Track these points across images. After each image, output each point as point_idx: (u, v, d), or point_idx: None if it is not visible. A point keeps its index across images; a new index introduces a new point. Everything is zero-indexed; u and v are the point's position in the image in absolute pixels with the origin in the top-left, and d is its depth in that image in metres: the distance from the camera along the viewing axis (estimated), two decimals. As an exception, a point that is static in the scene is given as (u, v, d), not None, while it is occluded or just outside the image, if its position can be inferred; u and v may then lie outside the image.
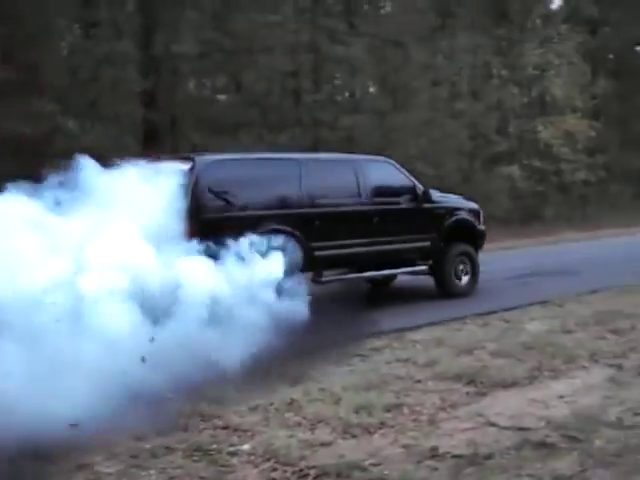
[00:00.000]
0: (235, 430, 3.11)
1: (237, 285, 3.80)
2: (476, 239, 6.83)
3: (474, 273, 6.68)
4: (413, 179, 6.45)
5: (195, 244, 3.86)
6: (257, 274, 3.97)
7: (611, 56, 22.07)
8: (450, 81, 16.82)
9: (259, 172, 5.37)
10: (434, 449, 2.82)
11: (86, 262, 3.20)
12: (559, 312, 5.72)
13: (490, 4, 18.04)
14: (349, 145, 13.34)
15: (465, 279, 6.63)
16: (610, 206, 18.95)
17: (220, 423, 3.17)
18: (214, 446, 2.91)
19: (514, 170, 16.83)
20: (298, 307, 4.02)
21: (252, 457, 2.79)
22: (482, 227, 6.96)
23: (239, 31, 13.23)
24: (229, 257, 3.94)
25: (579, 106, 19.03)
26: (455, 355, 4.36)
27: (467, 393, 3.66)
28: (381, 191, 6.14)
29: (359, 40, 14.77)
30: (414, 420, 3.25)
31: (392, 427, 3.14)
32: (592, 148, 19.16)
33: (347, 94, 16.40)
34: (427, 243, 6.36)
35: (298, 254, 4.65)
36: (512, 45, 18.41)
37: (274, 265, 4.13)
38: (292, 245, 4.65)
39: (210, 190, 4.85)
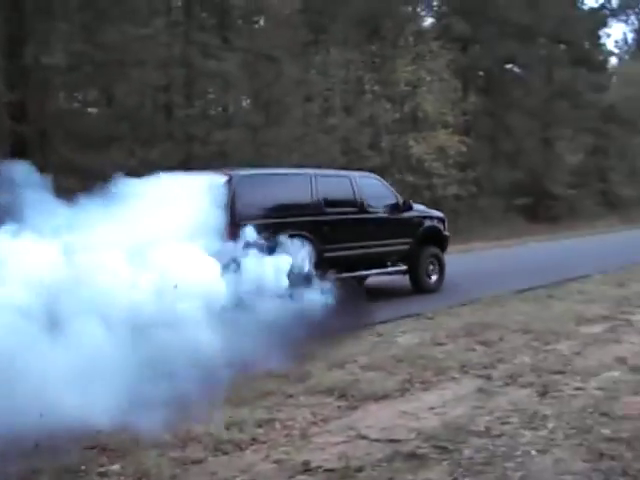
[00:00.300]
0: (104, 450, 3.69)
1: (263, 280, 5.61)
2: (442, 243, 10.23)
3: (441, 272, 9.94)
4: (394, 191, 9.86)
5: (233, 245, 5.71)
6: (280, 271, 5.82)
7: (481, 73, 28.19)
8: (323, 96, 21.37)
9: (280, 185, 8.27)
10: (306, 463, 3.54)
11: (155, 253, 4.86)
12: (430, 325, 7.12)
13: (363, 20, 22.89)
14: (222, 160, 17.21)
15: (434, 278, 9.89)
16: (481, 220, 24.56)
17: (88, 443, 3.72)
18: (83, 467, 3.48)
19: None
20: (314, 299, 5.82)
21: (122, 477, 3.36)
22: (446, 233, 10.42)
23: (110, 43, 16.52)
24: (259, 256, 5.77)
25: (450, 122, 24.43)
26: (327, 369, 5.38)
27: (339, 407, 4.64)
28: (371, 202, 9.20)
29: (232, 55, 18.74)
30: (286, 435, 4.05)
31: (264, 443, 3.90)
32: (463, 163, 24.68)
33: (220, 109, 20.34)
34: (406, 246, 9.53)
35: (313, 255, 6.82)
36: (385, 61, 23.48)
37: (295, 263, 6.10)
38: (309, 247, 6.94)
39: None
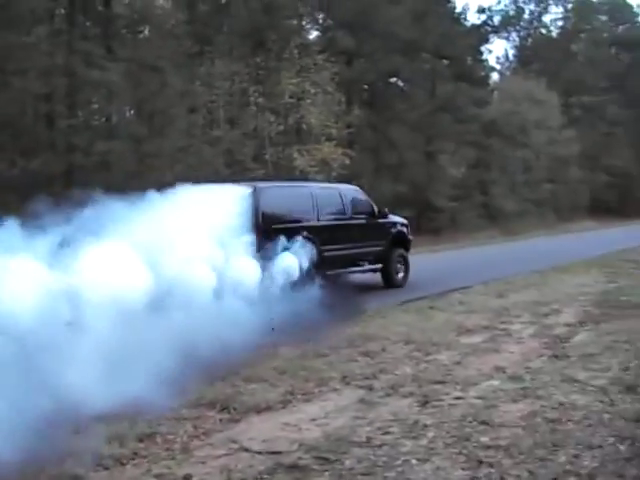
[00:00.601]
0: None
1: (279, 270, 8.18)
2: (407, 245, 13.41)
3: (406, 270, 13.01)
4: (370, 200, 12.67)
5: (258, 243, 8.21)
6: (292, 265, 8.48)
7: (366, 86, 31.74)
8: (207, 108, 23.92)
9: (290, 195, 11.04)
10: (187, 477, 4.01)
11: (200, 249, 6.94)
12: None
13: (248, 32, 25.67)
14: (104, 171, 19.35)
15: (401, 275, 12.96)
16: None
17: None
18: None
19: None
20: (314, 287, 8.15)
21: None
22: (410, 236, 13.59)
23: (-9, 51, 18.28)
24: (278, 252, 8.44)
25: (334, 135, 27.58)
26: (208, 382, 5.86)
27: (221, 420, 5.19)
28: (355, 210, 12.17)
29: (116, 64, 20.85)
30: (167, 449, 4.53)
31: (145, 457, 4.35)
32: (346, 176, 27.87)
33: (103, 119, 22.37)
34: (381, 248, 12.52)
35: (315, 253, 9.29)
36: (269, 73, 26.34)
37: (303, 259, 8.72)
38: (312, 247, 9.23)
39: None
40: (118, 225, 6.19)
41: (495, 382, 6.47)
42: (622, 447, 4.68)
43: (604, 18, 54.82)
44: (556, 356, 7.46)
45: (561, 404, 5.68)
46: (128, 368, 5.25)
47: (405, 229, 13.67)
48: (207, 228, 7.18)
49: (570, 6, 52.15)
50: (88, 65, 20.20)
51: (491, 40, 46.39)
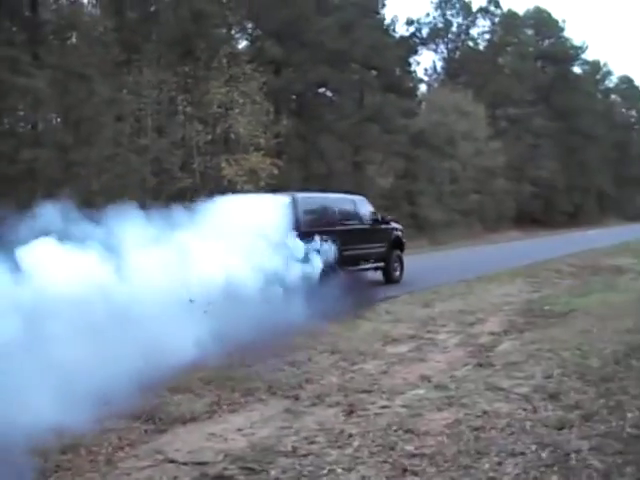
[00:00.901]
0: None
1: (310, 262, 10.70)
2: (402, 247, 16.39)
3: (402, 269, 15.96)
4: (374, 209, 15.45)
5: (299, 246, 10.64)
6: (319, 259, 11.03)
7: (294, 96, 33.08)
8: (134, 116, 24.73)
9: (321, 204, 13.64)
10: None
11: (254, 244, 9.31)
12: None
13: (177, 41, 26.62)
14: (29, 179, 19.96)
15: (397, 272, 15.91)
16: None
17: None
18: None
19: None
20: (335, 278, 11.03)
21: None
22: (404, 240, 16.61)
23: None
24: (311, 249, 10.96)
25: (262, 144, 28.72)
26: (134, 392, 5.93)
27: (146, 431, 5.36)
28: (364, 217, 14.86)
29: (43, 71, 21.47)
30: (91, 461, 4.66)
31: (69, 470, 4.47)
32: (275, 185, 29.05)
33: (29, 126, 22.89)
34: (384, 249, 15.26)
35: (337, 252, 11.80)
36: (198, 82, 27.34)
37: (328, 256, 11.34)
38: (334, 247, 11.72)
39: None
40: (201, 224, 8.80)
41: (421, 391, 6.77)
42: (544, 454, 4.96)
43: (530, 32, 58.05)
44: (481, 365, 7.82)
45: (485, 412, 5.97)
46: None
47: (401, 233, 16.79)
48: (261, 228, 9.87)
49: (497, 20, 54.98)
50: (14, 72, 20.63)
51: (419, 52, 49.02)
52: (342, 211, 14.39)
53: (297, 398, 6.43)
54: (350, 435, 5.44)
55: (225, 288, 8.10)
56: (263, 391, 6.55)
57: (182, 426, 5.63)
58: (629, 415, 5.70)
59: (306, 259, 10.65)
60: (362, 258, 14.36)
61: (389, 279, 15.81)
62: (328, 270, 11.18)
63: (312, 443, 5.29)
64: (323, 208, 13.77)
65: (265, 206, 11.08)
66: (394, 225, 16.69)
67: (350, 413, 6.02)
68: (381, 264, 15.47)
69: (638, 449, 4.98)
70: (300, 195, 13.40)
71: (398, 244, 16.41)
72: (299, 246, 10.67)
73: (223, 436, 5.44)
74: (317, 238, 11.42)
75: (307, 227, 12.13)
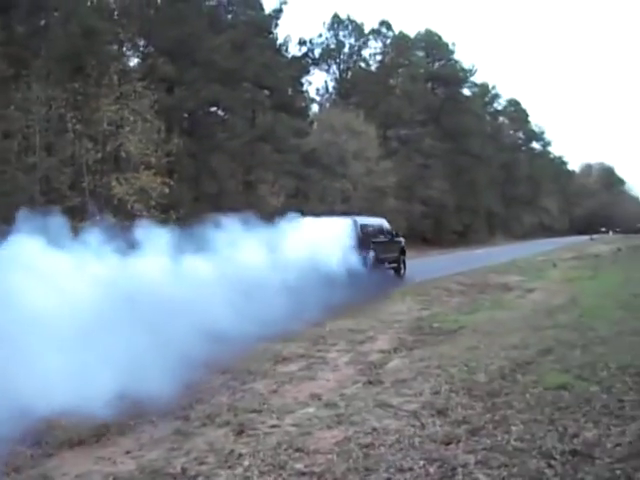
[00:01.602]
0: None
1: (363, 261, 18.33)
2: (405, 254, 24.05)
3: (405, 268, 23.57)
4: (390, 227, 23.47)
5: (357, 250, 18.04)
6: (368, 259, 19.10)
7: (186, 115, 34.44)
8: (22, 134, 25.43)
9: (367, 224, 20.68)
10: None
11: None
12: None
13: (67, 57, 27.47)
14: None
15: (402, 271, 23.35)
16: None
17: None
18: None
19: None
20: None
21: None
22: (405, 248, 24.31)
23: None
24: (363, 253, 18.64)
25: (153, 163, 29.84)
26: (19, 415, 5.89)
27: (32, 455, 5.48)
28: (387, 232, 22.44)
29: None
30: None
31: None
32: (166, 205, 30.24)
33: None
34: (397, 255, 22.79)
35: (375, 256, 19.85)
36: (88, 99, 28.31)
37: (372, 257, 19.54)
38: (374, 253, 19.72)
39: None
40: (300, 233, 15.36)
41: (310, 409, 7.00)
42: (432, 469, 5.25)
43: (421, 54, 61.69)
44: (370, 382, 8.16)
45: (374, 429, 6.25)
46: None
47: (404, 244, 24.17)
48: (337, 237, 17.20)
49: (388, 41, 58.03)
50: None
51: (311, 72, 51.24)
52: (376, 229, 21.50)
53: (187, 419, 6.65)
54: (240, 455, 5.66)
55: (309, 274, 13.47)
56: (153, 413, 6.67)
57: (69, 450, 5.82)
58: (514, 429, 6.06)
59: (360, 259, 17.74)
60: (386, 260, 21.60)
61: (398, 275, 22.95)
62: (370, 267, 18.81)
63: (202, 464, 5.51)
64: (368, 226, 20.61)
65: (339, 224, 18.77)
66: (401, 239, 24.09)
67: (240, 433, 6.23)
68: (395, 265, 22.73)
69: (522, 461, 5.29)
70: (358, 218, 20.60)
71: (403, 251, 23.81)
72: (357, 250, 17.84)
73: (111, 459, 5.64)
74: (365, 246, 18.96)
75: (361, 239, 19.07)
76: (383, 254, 20.76)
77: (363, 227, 19.83)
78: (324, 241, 16.04)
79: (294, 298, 11.57)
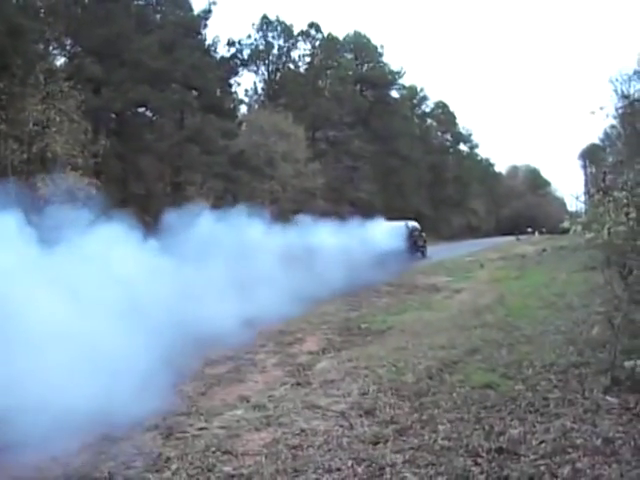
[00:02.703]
0: None
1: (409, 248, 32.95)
2: (426, 242, 38.28)
3: (426, 252, 37.21)
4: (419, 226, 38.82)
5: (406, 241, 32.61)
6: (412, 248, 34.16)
7: (113, 115, 34.90)
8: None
9: (411, 225, 35.76)
10: None
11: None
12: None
13: (-8, 56, 27.62)
14: None
15: (425, 253, 36.93)
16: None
17: None
18: None
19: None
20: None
21: None
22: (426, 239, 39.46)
23: None
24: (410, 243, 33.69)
25: (80, 164, 30.17)
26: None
27: None
28: (419, 230, 37.17)
29: None
30: None
31: None
32: (94, 206, 30.60)
33: None
34: (423, 243, 37.00)
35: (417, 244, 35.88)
36: (13, 99, 28.50)
37: (415, 245, 35.33)
38: (417, 241, 35.94)
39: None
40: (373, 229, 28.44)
41: (239, 411, 7.15)
42: (360, 469, 5.38)
43: (350, 56, 63.04)
44: (299, 384, 8.37)
45: (302, 430, 6.40)
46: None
47: (425, 237, 37.97)
48: (397, 232, 30.99)
49: (317, 43, 59.12)
50: None
51: (240, 73, 51.86)
52: (415, 228, 35.90)
53: (114, 423, 6.62)
54: (168, 458, 5.76)
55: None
56: (79, 420, 6.54)
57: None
58: (441, 428, 6.25)
59: (408, 247, 31.66)
60: (419, 246, 35.24)
61: (424, 255, 35.62)
62: (411, 250, 32.57)
63: (129, 468, 5.58)
64: (410, 227, 34.89)
65: (397, 225, 32.55)
66: (424, 234, 37.89)
67: (168, 436, 6.34)
68: (422, 249, 36.01)
69: (449, 460, 5.44)
70: (409, 222, 35.32)
71: (425, 241, 37.20)
72: (406, 241, 31.85)
73: (38, 466, 5.69)
74: (409, 238, 33.11)
75: (409, 234, 33.52)
76: (417, 243, 35.32)
77: (409, 227, 34.59)
78: (391, 234, 29.05)
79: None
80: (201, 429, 6.66)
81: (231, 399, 7.76)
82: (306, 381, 8.53)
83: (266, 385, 8.44)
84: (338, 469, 5.42)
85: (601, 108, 10.08)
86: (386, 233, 28.23)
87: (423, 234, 37.61)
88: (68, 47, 34.83)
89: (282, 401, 7.56)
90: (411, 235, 34.02)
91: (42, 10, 32.88)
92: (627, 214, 7.48)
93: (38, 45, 31.73)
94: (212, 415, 7.11)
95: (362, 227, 26.97)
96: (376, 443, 5.97)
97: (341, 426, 6.53)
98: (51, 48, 33.52)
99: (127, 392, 7.13)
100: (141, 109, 37.45)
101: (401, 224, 33.28)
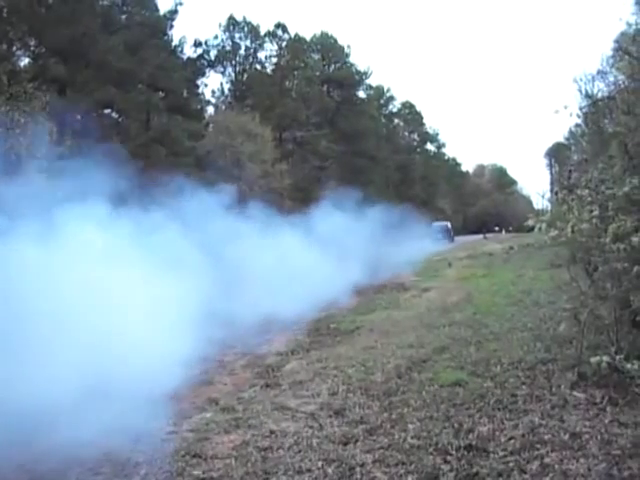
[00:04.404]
0: None
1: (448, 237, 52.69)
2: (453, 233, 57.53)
3: (453, 240, 54.19)
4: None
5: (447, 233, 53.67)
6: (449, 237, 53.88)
7: (78, 117, 34.51)
8: None
9: (448, 223, 57.89)
10: None
11: None
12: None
13: (-47, 57, 27.27)
14: None
15: (453, 240, 53.98)
16: None
17: None
18: None
19: None
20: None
21: None
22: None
23: None
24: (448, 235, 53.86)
25: (44, 166, 29.80)
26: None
27: None
28: (451, 227, 57.27)
29: None
30: None
31: None
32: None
33: None
34: (453, 234, 55.69)
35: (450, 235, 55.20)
36: (-25, 101, 28.05)
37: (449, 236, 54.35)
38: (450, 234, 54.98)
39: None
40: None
41: (208, 414, 7.06)
42: (330, 469, 5.39)
43: (316, 57, 63.12)
44: (268, 385, 8.32)
45: (272, 432, 6.36)
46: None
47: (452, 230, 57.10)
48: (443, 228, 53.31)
49: (284, 44, 59.01)
50: None
51: (207, 74, 51.66)
52: (449, 225, 55.51)
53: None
54: (137, 463, 5.66)
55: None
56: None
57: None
58: (410, 427, 6.25)
59: (447, 235, 51.64)
60: (452, 236, 53.14)
61: (452, 241, 50.54)
62: (450, 238, 51.49)
63: (97, 474, 5.49)
64: (448, 224, 55.58)
65: (444, 223, 55.41)
66: (451, 229, 55.74)
67: (136, 440, 6.18)
68: (452, 238, 52.45)
69: (418, 458, 5.47)
70: (448, 221, 57.94)
71: (453, 233, 54.99)
72: (447, 233, 52.29)
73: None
74: (448, 232, 52.79)
75: (448, 229, 53.73)
76: (451, 233, 52.42)
77: (448, 225, 53.54)
78: (440, 229, 50.34)
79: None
80: (170, 433, 6.57)
81: (200, 402, 7.69)
82: (275, 382, 8.50)
83: (235, 387, 8.38)
84: (308, 470, 5.42)
85: (565, 107, 10.11)
86: (439, 227, 51.66)
87: (451, 228, 55.83)
88: (32, 47, 34.43)
89: (251, 403, 7.52)
90: (448, 229, 53.75)
91: (5, 10, 32.50)
92: (591, 212, 7.57)
93: (1, 45, 31.35)
94: (181, 418, 7.03)
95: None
96: (346, 443, 5.97)
97: (311, 427, 6.51)
98: (14, 48, 33.10)
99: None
100: (107, 110, 37.14)
101: (445, 222, 56.11)
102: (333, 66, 64.53)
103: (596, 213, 7.52)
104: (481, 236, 66.30)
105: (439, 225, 53.87)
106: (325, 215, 20.14)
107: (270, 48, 59.10)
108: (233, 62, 55.09)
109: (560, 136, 46.13)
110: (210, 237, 13.88)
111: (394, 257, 25.63)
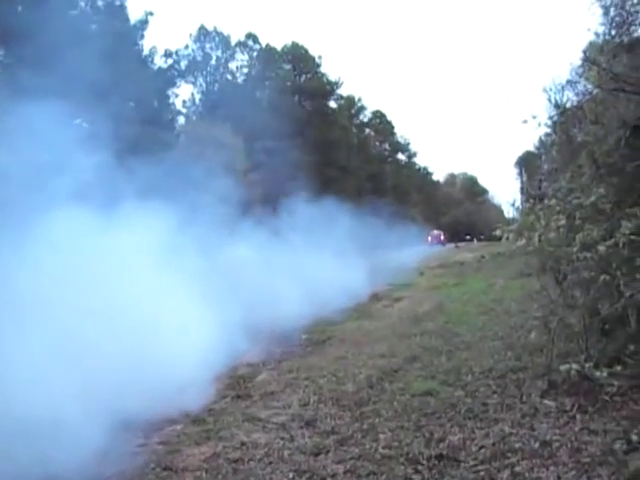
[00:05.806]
0: None
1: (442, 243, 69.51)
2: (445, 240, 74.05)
3: (445, 244, 69.94)
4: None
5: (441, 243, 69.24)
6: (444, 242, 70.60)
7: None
8: None
9: (442, 232, 74.63)
10: None
11: None
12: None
13: None
14: None
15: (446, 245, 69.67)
16: None
17: None
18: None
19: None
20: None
21: None
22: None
23: None
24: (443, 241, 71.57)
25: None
26: None
27: None
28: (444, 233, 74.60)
29: None
30: None
31: None
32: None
33: None
34: (446, 241, 70.71)
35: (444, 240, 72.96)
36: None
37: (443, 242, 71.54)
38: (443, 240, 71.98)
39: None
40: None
41: (178, 426, 7.10)
42: None
43: (288, 67, 63.12)
44: (239, 396, 8.37)
45: (243, 444, 6.36)
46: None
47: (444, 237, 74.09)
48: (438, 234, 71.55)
49: (255, 54, 59.08)
50: None
51: (178, 84, 51.36)
52: (442, 233, 71.87)
53: None
54: (107, 477, 5.69)
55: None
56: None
57: None
58: (382, 437, 6.31)
59: (441, 242, 68.03)
60: (444, 242, 68.22)
61: (444, 246, 64.39)
62: (443, 244, 67.05)
63: None
64: (442, 232, 72.00)
65: (439, 231, 71.85)
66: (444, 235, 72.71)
67: (106, 453, 6.11)
68: (445, 243, 67.77)
69: (390, 468, 5.51)
70: (441, 231, 72.38)
71: (445, 239, 71.18)
72: (443, 239, 70.06)
73: None
74: (443, 238, 70.59)
75: (444, 236, 71.43)
76: (443, 241, 66.74)
77: (441, 233, 69.91)
78: (435, 236, 68.79)
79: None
80: (140, 445, 6.55)
81: (170, 413, 7.66)
82: (246, 394, 8.49)
83: (206, 399, 8.32)
84: (279, 481, 5.37)
85: (533, 117, 10.23)
86: (434, 235, 66.69)
87: (444, 237, 68.66)
88: (0, 57, 33.97)
89: (222, 414, 7.51)
90: (440, 236, 66.69)
91: (-29, 20, 32.09)
92: (557, 221, 7.64)
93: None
94: (151, 431, 6.99)
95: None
96: (317, 454, 5.97)
97: (282, 438, 6.50)
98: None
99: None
100: (77, 121, 36.71)
101: (440, 232, 70.01)
102: (304, 76, 64.61)
103: (563, 222, 7.59)
104: (453, 245, 68.08)
105: (435, 233, 69.41)
106: (297, 225, 19.98)
107: (241, 58, 59.31)
108: (204, 72, 54.97)
109: (531, 145, 46.58)
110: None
111: (367, 267, 24.97)
